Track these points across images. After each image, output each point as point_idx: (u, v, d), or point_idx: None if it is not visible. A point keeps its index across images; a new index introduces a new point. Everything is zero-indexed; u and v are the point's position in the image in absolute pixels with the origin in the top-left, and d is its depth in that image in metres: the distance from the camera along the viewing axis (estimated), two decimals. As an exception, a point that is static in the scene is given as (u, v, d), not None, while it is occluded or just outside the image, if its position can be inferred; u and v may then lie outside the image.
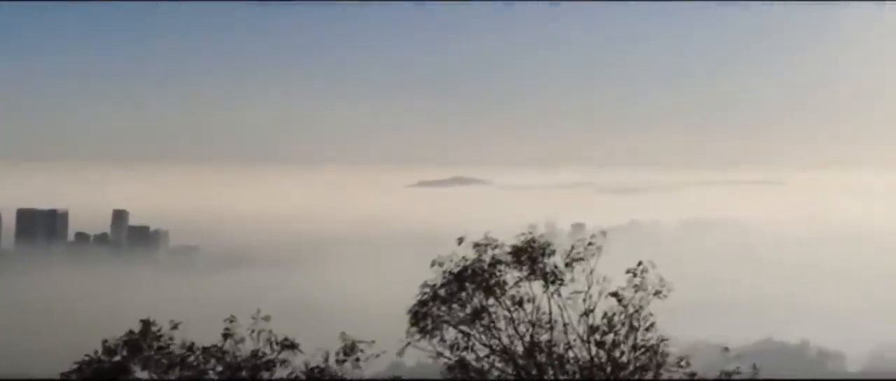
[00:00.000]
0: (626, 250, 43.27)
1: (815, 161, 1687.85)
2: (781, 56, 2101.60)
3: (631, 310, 40.41)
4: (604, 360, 40.24)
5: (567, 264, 41.10)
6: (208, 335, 38.87)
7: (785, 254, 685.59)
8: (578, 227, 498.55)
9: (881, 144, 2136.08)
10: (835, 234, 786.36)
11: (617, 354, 40.22)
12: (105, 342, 38.02)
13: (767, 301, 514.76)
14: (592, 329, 40.43)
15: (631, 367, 40.07)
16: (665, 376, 40.03)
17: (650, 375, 39.99)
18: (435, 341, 40.87)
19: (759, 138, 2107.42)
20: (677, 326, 43.12)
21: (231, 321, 38.55)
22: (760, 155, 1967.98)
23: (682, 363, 39.97)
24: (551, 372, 40.37)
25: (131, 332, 38.17)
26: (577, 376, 40.31)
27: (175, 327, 38.59)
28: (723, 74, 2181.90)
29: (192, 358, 38.28)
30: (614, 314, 40.31)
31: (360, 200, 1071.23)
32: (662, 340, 40.19)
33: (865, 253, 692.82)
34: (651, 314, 40.59)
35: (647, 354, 40.11)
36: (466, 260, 41.13)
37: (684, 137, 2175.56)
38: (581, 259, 41.04)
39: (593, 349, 40.35)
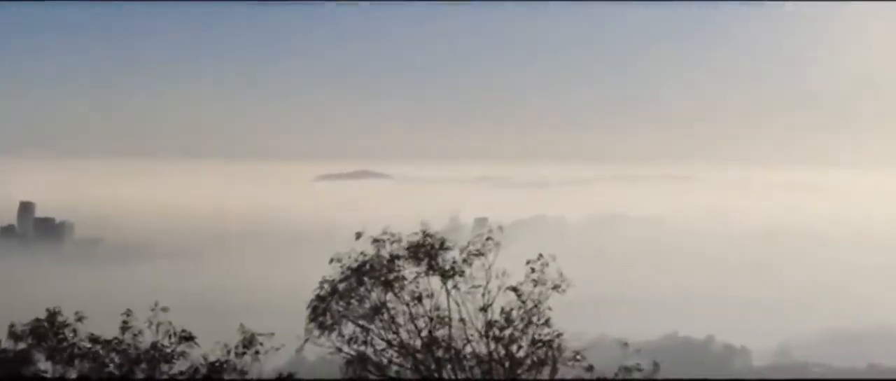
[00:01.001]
0: (529, 244, 43.45)
1: (725, 158, 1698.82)
2: (695, 54, 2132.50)
3: (529, 305, 40.50)
4: (502, 355, 40.36)
5: (465, 260, 41.08)
6: (110, 328, 38.67)
7: (692, 249, 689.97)
8: (481, 221, 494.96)
9: (791, 141, 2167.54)
10: (742, 230, 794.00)
11: (514, 348, 40.33)
12: (12, 326, 38.15)
13: (674, 296, 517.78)
14: (490, 324, 40.53)
15: (528, 362, 40.18)
16: (562, 370, 40.18)
17: (547, 370, 40.13)
18: (334, 336, 40.77)
19: (670, 135, 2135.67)
20: (581, 321, 43.52)
21: (128, 315, 38.41)
22: (670, 151, 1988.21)
23: (578, 358, 40.09)
24: (449, 367, 40.44)
25: (38, 319, 38.23)
26: (475, 370, 40.42)
27: (80, 319, 38.62)
28: (634, 70, 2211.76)
29: (93, 350, 38.07)
30: (512, 309, 40.40)
31: (263, 193, 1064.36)
32: (558, 334, 40.27)
33: (773, 249, 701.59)
34: (550, 308, 40.73)
35: (544, 348, 40.19)
36: (365, 255, 41.07)
37: (593, 132, 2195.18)
38: (479, 254, 41.11)
39: (491, 344, 40.47)
